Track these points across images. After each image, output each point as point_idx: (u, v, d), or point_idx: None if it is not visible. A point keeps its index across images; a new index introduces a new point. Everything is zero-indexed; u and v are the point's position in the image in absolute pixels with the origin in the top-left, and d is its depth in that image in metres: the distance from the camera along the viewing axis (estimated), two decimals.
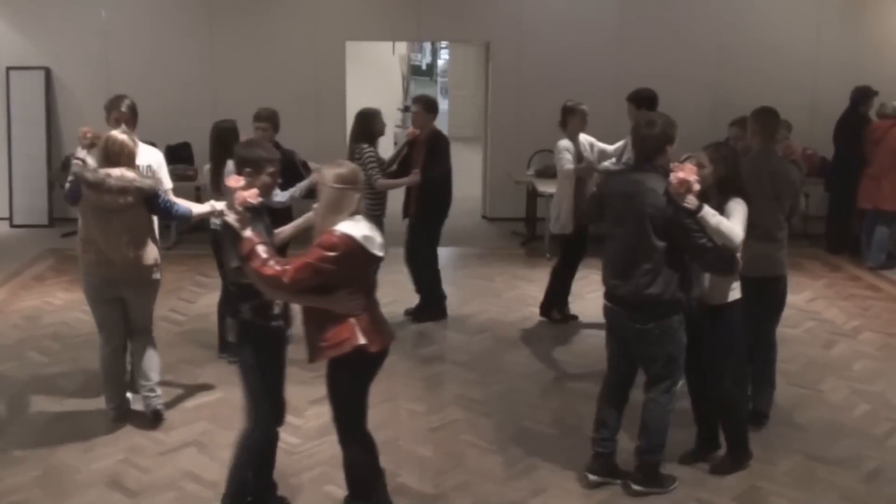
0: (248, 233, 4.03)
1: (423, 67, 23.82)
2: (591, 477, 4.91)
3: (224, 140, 6.21)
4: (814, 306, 8.13)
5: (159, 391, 5.57)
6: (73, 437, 5.40)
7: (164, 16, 10.79)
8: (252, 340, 4.27)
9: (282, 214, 6.48)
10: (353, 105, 11.82)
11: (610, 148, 7.52)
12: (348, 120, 11.22)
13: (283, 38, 10.88)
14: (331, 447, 5.21)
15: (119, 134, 5.22)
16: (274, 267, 3.94)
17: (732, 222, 4.62)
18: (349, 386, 4.24)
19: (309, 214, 4.60)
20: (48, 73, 10.81)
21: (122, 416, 5.57)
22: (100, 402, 5.80)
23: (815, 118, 10.75)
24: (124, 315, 5.45)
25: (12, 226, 10.82)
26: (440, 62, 23.21)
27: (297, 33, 10.90)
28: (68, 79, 10.85)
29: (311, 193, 6.03)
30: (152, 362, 5.53)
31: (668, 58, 11.02)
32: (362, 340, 4.06)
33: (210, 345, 6.84)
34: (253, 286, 4.11)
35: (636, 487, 4.83)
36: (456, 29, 11.42)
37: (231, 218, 4.08)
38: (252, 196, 4.11)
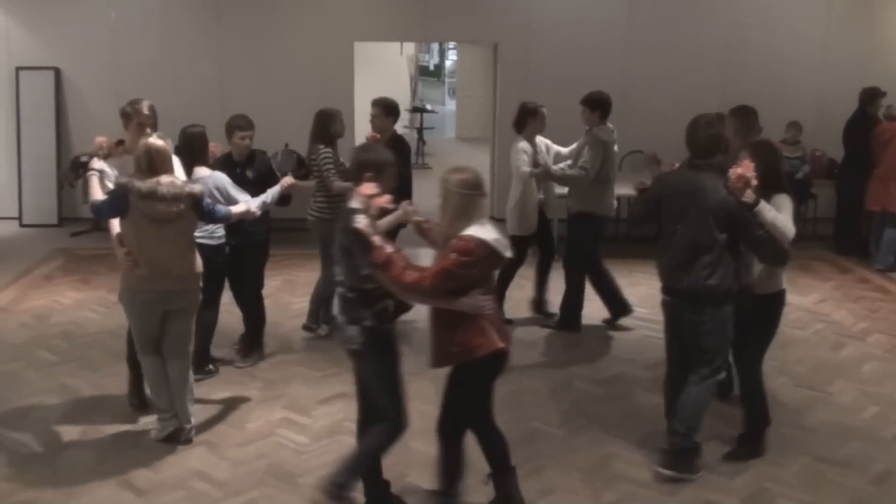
0: (378, 240, 4.05)
1: (431, 68, 23.82)
2: (663, 471, 4.99)
3: (195, 145, 6.01)
4: (822, 308, 8.12)
5: (193, 421, 5.39)
6: (83, 436, 5.43)
7: (174, 16, 10.82)
8: (378, 345, 4.27)
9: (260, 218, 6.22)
10: (361, 106, 11.85)
11: (564, 150, 7.55)
12: (356, 121, 11.27)
13: (292, 39, 10.90)
14: (339, 447, 5.24)
15: (157, 140, 5.05)
16: (413, 274, 3.99)
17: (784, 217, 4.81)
18: (480, 386, 4.33)
19: (399, 212, 4.58)
20: (58, 73, 10.85)
21: (175, 434, 5.32)
22: (106, 403, 5.85)
23: (823, 119, 10.74)
24: (163, 332, 5.26)
25: (21, 225, 10.85)
26: (448, 63, 23.20)
27: (306, 34, 10.91)
28: (78, 79, 10.89)
29: (284, 200, 5.91)
30: (191, 391, 5.38)
31: (677, 58, 11.02)
32: (500, 343, 4.15)
33: (216, 344, 6.86)
34: (375, 292, 4.16)
35: (666, 472, 4.94)
36: (464, 29, 11.43)
37: (362, 224, 4.07)
38: (385, 201, 4.17)
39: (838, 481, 5.03)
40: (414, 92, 17.74)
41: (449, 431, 4.38)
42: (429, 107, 18.09)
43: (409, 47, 16.97)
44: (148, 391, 5.51)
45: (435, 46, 22.94)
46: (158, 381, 5.30)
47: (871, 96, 9.59)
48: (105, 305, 7.86)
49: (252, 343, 6.70)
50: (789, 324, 7.61)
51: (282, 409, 5.82)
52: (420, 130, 16.68)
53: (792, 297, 8.23)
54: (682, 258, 4.83)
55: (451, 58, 22.27)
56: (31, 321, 7.52)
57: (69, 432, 5.47)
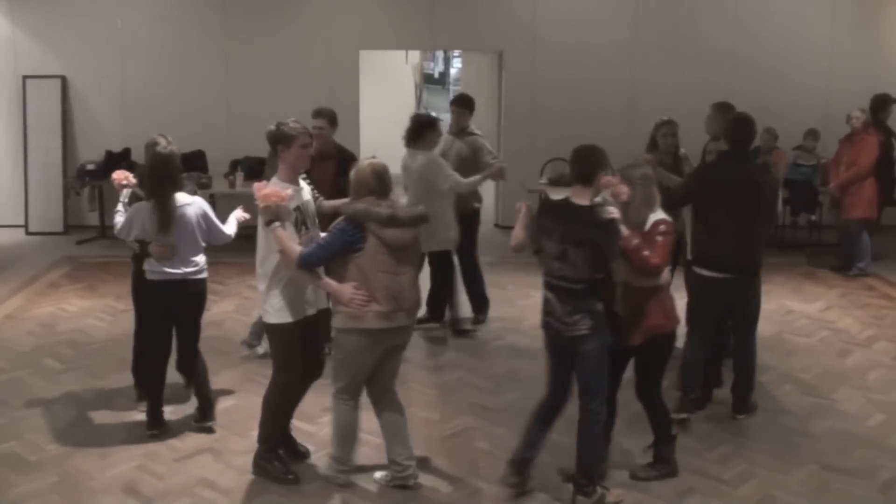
0: (625, 230, 4.64)
1: (436, 76, 23.84)
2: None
3: (172, 168, 5.40)
4: (828, 315, 8.10)
5: (414, 463, 4.99)
6: (89, 443, 5.44)
7: (180, 24, 10.86)
8: (602, 327, 4.65)
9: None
10: (367, 113, 11.91)
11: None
12: (362, 128, 11.29)
13: (298, 47, 10.93)
14: None
15: (374, 160, 4.74)
16: (648, 253, 4.68)
17: None
18: (665, 360, 5.00)
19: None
20: (64, 81, 10.89)
21: (348, 481, 4.97)
22: (112, 411, 5.85)
23: (830, 126, 10.71)
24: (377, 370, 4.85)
25: (28, 233, 10.88)
26: (453, 71, 23.23)
27: (312, 42, 10.95)
28: (84, 87, 10.92)
29: None
30: (405, 425, 4.99)
31: (682, 65, 11.02)
32: (680, 318, 5.03)
33: (224, 351, 6.88)
34: (603, 281, 4.63)
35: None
36: (469, 38, 11.45)
37: (616, 214, 4.56)
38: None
39: (845, 489, 5.02)
40: (419, 100, 17.76)
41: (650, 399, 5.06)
42: (433, 114, 18.09)
43: (414, 55, 16.99)
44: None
45: (440, 54, 22.97)
46: (353, 429, 4.96)
47: (881, 103, 9.67)
48: (111, 313, 7.88)
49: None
50: (795, 331, 7.61)
51: None
52: None
53: (797, 305, 8.29)
54: (744, 237, 5.51)
55: (456, 66, 22.29)
56: (38, 329, 7.54)
57: (75, 439, 5.48)
